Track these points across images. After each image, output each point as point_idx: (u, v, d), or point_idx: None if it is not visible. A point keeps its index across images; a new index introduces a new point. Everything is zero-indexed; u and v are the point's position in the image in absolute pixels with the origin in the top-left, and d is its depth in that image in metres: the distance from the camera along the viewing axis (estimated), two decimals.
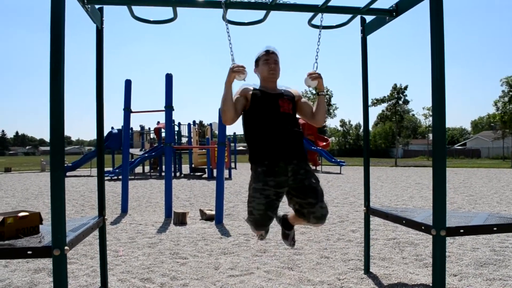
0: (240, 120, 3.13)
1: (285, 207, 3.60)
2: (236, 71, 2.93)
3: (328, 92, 57.96)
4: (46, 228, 3.19)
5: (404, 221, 3.49)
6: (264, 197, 2.78)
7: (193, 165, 22.70)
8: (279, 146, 2.87)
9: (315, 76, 3.11)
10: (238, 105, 3.00)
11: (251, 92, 3.05)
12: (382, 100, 37.97)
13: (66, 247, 2.55)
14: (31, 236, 2.98)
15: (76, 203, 10.30)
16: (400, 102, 37.96)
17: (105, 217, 3.83)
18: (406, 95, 38.00)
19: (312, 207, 2.84)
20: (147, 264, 4.61)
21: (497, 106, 33.99)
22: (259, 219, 2.82)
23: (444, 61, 2.86)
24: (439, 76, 2.85)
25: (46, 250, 2.58)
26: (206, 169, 21.31)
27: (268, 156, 2.86)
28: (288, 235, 3.55)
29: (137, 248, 5.39)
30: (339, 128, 78.17)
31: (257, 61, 3.18)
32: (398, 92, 37.60)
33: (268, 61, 3.08)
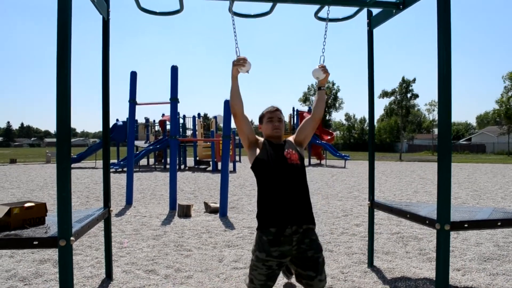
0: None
1: None
2: (238, 64, 2.92)
3: (335, 87, 57.90)
4: (51, 219, 3.22)
5: (408, 215, 3.49)
6: (267, 268, 2.77)
7: (197, 158, 22.75)
8: (287, 210, 2.79)
9: (326, 70, 3.10)
10: (249, 125, 3.04)
11: (262, 140, 3.06)
12: (392, 93, 37.74)
13: (72, 238, 2.57)
14: (37, 226, 3.01)
15: (81, 194, 10.36)
16: (409, 95, 37.73)
17: (111, 209, 3.86)
18: (413, 90, 37.80)
19: (311, 280, 2.82)
20: (151, 256, 4.64)
21: (502, 102, 33.80)
22: None
23: (450, 56, 2.85)
24: (445, 70, 2.83)
25: (52, 240, 2.60)
26: (210, 162, 21.36)
27: (275, 222, 2.78)
28: (288, 275, 3.66)
29: (141, 240, 5.43)
30: (344, 122, 78.04)
31: (261, 118, 3.17)
32: (407, 85, 37.37)
33: (272, 119, 3.07)
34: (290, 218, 2.78)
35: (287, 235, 2.76)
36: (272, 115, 3.08)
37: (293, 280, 3.69)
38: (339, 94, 58.58)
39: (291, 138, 3.18)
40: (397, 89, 37.55)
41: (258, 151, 3.00)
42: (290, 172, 2.86)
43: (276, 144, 3.02)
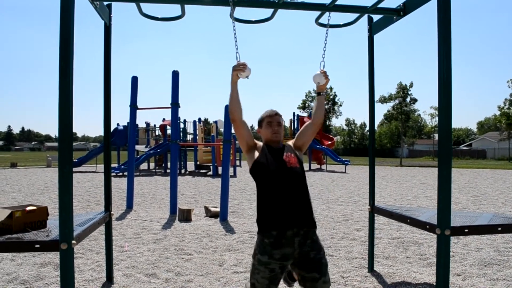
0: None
1: None
2: (237, 69, 2.93)
3: (332, 92, 57.92)
4: (53, 223, 3.23)
5: (408, 220, 3.50)
6: (269, 271, 2.75)
7: (198, 162, 22.76)
8: (288, 213, 2.79)
9: (326, 76, 3.12)
10: (247, 129, 3.03)
11: (261, 144, 3.07)
12: (390, 98, 37.71)
13: (73, 241, 2.58)
14: (39, 230, 3.02)
15: (81, 198, 10.37)
16: (407, 100, 37.68)
17: (111, 213, 3.87)
18: (411, 94, 37.74)
19: (315, 282, 2.79)
20: (152, 259, 4.64)
21: (504, 108, 33.85)
22: None
23: (451, 61, 2.87)
24: (446, 76, 2.85)
25: (53, 243, 2.61)
26: (211, 167, 21.35)
27: (276, 225, 2.78)
28: (289, 282, 3.59)
29: (142, 243, 5.43)
30: (345, 127, 78.08)
31: (260, 122, 3.17)
32: (404, 90, 37.34)
33: (271, 124, 3.08)
34: (291, 221, 2.77)
35: (288, 237, 2.75)
36: (271, 119, 3.09)
37: (295, 286, 3.68)
38: (337, 100, 58.64)
39: (290, 143, 3.19)
40: (393, 95, 37.50)
41: (256, 154, 3.00)
42: (289, 176, 2.86)
43: (275, 148, 3.02)
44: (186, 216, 7.22)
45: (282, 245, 2.75)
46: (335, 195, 11.41)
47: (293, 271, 2.96)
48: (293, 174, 2.88)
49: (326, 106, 55.55)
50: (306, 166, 21.21)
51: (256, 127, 3.27)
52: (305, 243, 2.79)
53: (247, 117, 3.05)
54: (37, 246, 2.64)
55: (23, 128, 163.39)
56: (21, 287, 3.71)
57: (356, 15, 3.94)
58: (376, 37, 4.20)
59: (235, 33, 3.24)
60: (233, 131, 3.30)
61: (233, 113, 2.95)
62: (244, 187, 13.46)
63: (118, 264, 4.45)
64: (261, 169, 2.91)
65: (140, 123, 26.27)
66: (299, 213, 2.81)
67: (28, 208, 3.08)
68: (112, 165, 20.46)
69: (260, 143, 3.11)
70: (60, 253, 2.57)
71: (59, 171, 2.56)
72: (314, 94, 40.24)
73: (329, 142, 26.36)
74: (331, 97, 57.61)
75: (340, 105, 58.55)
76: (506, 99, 38.66)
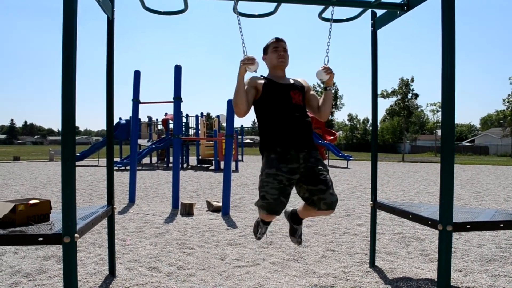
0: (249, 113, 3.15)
1: (293, 204, 3.62)
2: (247, 63, 2.94)
3: (334, 86, 57.63)
4: (56, 216, 3.24)
5: (410, 216, 3.50)
6: (278, 182, 2.81)
7: (200, 157, 22.79)
8: (291, 135, 2.93)
9: (329, 71, 3.11)
10: (249, 96, 3.02)
11: (262, 82, 3.06)
12: (392, 93, 37.53)
13: (76, 235, 2.59)
14: (42, 223, 3.04)
15: (84, 192, 10.40)
16: (409, 96, 37.50)
17: (114, 207, 3.88)
18: (413, 89, 37.55)
19: (323, 194, 2.88)
20: (154, 253, 4.66)
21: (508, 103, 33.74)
22: (273, 203, 2.79)
23: (454, 57, 2.85)
24: (449, 71, 2.84)
25: (56, 237, 2.62)
26: (213, 161, 21.38)
27: (280, 143, 2.91)
28: (296, 231, 3.55)
29: (144, 237, 5.45)
30: (347, 122, 77.96)
31: (265, 49, 3.19)
32: (406, 85, 37.15)
33: (277, 49, 3.09)
34: (294, 142, 2.92)
35: (293, 154, 2.89)
36: (277, 44, 3.11)
37: (299, 281, 3.70)
38: (339, 93, 58.38)
39: (303, 82, 3.24)
40: (396, 89, 37.30)
41: (260, 91, 3.05)
42: (293, 109, 2.99)
43: (281, 83, 3.06)
44: (188, 211, 7.24)
45: (287, 160, 2.88)
46: (337, 190, 11.41)
47: (299, 191, 3.03)
48: (297, 108, 2.99)
49: None
50: None
51: (255, 130, 3.30)
52: (309, 160, 2.93)
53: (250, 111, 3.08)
54: (40, 239, 2.65)
55: (25, 122, 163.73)
56: (24, 280, 3.73)
57: (360, 9, 3.92)
58: (380, 32, 4.18)
59: (240, 27, 3.23)
60: (236, 125, 3.32)
61: (239, 106, 2.95)
62: (246, 182, 13.48)
63: (121, 257, 4.47)
64: (265, 105, 3.01)
65: (142, 117, 26.25)
66: (301, 137, 2.96)
67: (31, 202, 3.09)
68: (115, 159, 20.51)
69: (259, 81, 3.09)
70: (63, 247, 2.58)
71: (62, 165, 2.56)
72: (318, 88, 40.23)
73: (331, 137, 26.31)
74: (332, 91, 57.40)
75: (340, 98, 58.33)
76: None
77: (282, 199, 2.82)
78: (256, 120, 3.22)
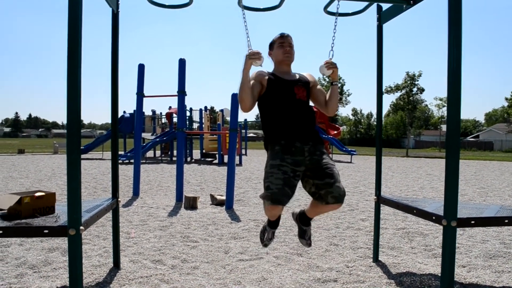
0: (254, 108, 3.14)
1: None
2: (253, 58, 2.93)
3: (340, 80, 57.22)
4: (61, 208, 3.26)
5: (415, 211, 3.49)
6: (282, 173, 2.78)
7: (204, 151, 22.82)
8: (295, 128, 2.93)
9: (332, 66, 3.09)
10: (254, 90, 3.01)
11: (266, 77, 3.06)
12: (396, 88, 37.22)
13: (81, 227, 2.61)
14: (47, 215, 3.06)
15: (88, 185, 10.45)
16: (414, 90, 37.16)
17: (119, 200, 3.90)
18: (418, 84, 37.21)
19: (330, 187, 2.85)
20: (158, 246, 4.69)
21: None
22: (277, 193, 2.73)
23: (461, 52, 2.83)
24: (455, 67, 2.82)
25: (62, 229, 2.64)
26: (216, 155, 21.40)
27: (284, 136, 2.91)
28: (305, 232, 3.50)
29: (148, 230, 5.48)
30: (351, 117, 77.79)
31: (271, 45, 3.18)
32: (412, 79, 36.79)
33: (283, 44, 3.09)
34: (298, 135, 2.92)
35: (298, 147, 2.90)
36: (283, 40, 3.11)
37: (301, 277, 3.71)
38: (345, 87, 57.93)
39: (308, 76, 3.23)
40: (400, 84, 36.94)
41: (265, 86, 3.05)
42: (296, 105, 2.99)
43: (286, 79, 3.05)
44: (192, 204, 7.26)
45: (292, 152, 2.89)
46: None
47: (306, 186, 3.02)
48: (300, 104, 3.00)
49: None
50: None
51: (258, 124, 3.30)
52: (314, 153, 2.93)
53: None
54: (46, 231, 2.67)
55: (30, 115, 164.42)
56: (30, 271, 3.76)
57: (365, 3, 3.90)
58: (385, 26, 4.15)
59: (245, 21, 3.22)
60: (240, 119, 3.33)
61: (245, 101, 2.94)
62: (250, 176, 13.50)
63: (125, 250, 4.49)
64: (269, 100, 3.02)
65: (146, 110, 26.33)
66: (305, 130, 2.96)
67: (37, 194, 3.11)
68: (119, 153, 20.55)
69: (264, 76, 3.09)
70: (68, 239, 2.60)
71: (67, 158, 2.57)
72: (323, 82, 40.02)
73: (335, 132, 26.27)
74: (339, 85, 56.87)
75: (348, 95, 57.96)
76: None
77: (287, 189, 2.76)
78: (259, 115, 3.21)
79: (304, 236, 3.52)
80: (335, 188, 2.86)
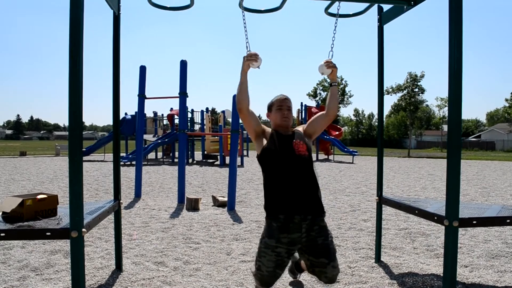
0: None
1: None
2: (250, 59, 2.93)
3: (343, 82, 57.17)
4: (63, 211, 3.27)
5: (416, 211, 3.49)
6: (275, 255, 2.73)
7: (205, 152, 22.82)
8: (295, 199, 2.79)
9: (331, 66, 3.09)
10: (253, 118, 3.00)
11: (269, 131, 3.05)
12: (398, 88, 37.11)
13: (83, 229, 2.61)
14: (49, 218, 3.06)
15: (90, 187, 10.46)
16: (416, 90, 37.04)
17: (120, 201, 3.91)
18: (420, 84, 37.12)
19: (324, 267, 2.77)
20: (160, 248, 4.69)
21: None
22: (267, 277, 2.76)
23: (461, 53, 2.83)
24: (456, 67, 2.82)
25: (64, 231, 2.64)
26: (218, 156, 21.41)
27: (283, 209, 2.78)
28: (295, 273, 3.62)
29: (150, 232, 5.48)
30: (353, 117, 77.75)
31: (270, 107, 3.14)
32: (414, 80, 36.71)
33: (281, 108, 3.06)
34: (298, 206, 2.78)
35: (296, 222, 2.77)
36: (281, 103, 3.08)
37: (302, 277, 3.71)
38: (347, 89, 57.85)
39: (300, 128, 3.17)
40: (402, 85, 36.83)
41: (265, 141, 3.00)
42: (297, 163, 2.86)
43: (284, 134, 3.02)
44: (193, 205, 7.27)
45: (289, 230, 2.76)
46: (342, 185, 11.40)
47: (301, 258, 2.97)
48: (301, 161, 2.88)
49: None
50: (314, 157, 21.21)
51: (264, 117, 3.27)
52: (312, 228, 2.80)
53: (254, 104, 3.03)
54: (48, 234, 2.67)
55: (31, 117, 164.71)
56: (32, 274, 3.77)
57: (366, 4, 3.90)
58: (386, 27, 4.16)
59: (245, 23, 3.22)
60: (241, 120, 3.29)
61: (242, 102, 2.93)
62: (251, 177, 13.50)
63: (127, 252, 4.50)
64: (269, 156, 2.92)
65: (148, 112, 26.35)
66: (306, 199, 2.82)
67: (39, 197, 3.11)
68: (121, 155, 20.58)
69: (268, 129, 3.09)
70: (71, 241, 2.60)
71: (69, 160, 2.58)
72: (324, 83, 39.92)
73: (337, 133, 26.27)
74: (341, 86, 56.74)
75: (350, 96, 57.83)
76: None
77: (278, 271, 2.78)
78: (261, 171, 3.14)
79: (294, 274, 3.64)
80: (329, 269, 2.78)
